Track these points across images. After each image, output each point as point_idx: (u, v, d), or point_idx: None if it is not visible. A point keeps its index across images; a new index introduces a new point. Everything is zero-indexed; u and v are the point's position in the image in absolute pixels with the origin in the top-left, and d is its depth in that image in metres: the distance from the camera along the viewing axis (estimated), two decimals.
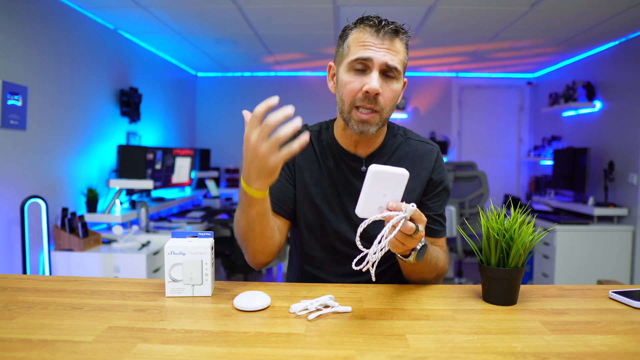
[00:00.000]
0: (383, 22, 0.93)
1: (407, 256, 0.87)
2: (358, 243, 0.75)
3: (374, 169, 0.74)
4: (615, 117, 3.54)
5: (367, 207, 0.76)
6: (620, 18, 2.95)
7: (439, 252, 1.04)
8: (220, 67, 4.87)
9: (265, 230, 0.92)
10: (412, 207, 0.76)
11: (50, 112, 2.63)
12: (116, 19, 3.14)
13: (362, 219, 0.76)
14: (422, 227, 0.80)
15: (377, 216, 0.76)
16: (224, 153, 5.15)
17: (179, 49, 4.00)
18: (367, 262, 0.76)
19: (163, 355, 0.62)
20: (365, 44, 0.93)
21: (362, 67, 0.94)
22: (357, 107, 0.96)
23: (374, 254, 0.76)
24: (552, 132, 4.57)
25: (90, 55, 3.02)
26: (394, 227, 0.75)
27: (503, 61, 4.42)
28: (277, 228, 1.00)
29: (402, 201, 0.77)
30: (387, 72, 0.95)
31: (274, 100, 0.73)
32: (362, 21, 0.96)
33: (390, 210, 0.75)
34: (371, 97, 0.94)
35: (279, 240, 1.01)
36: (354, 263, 0.77)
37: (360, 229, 0.75)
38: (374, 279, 0.77)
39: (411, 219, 0.78)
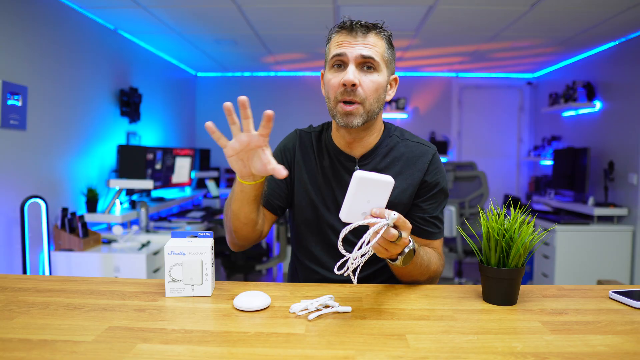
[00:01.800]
0: (354, 22, 0.99)
1: (394, 259, 0.88)
2: (340, 248, 0.76)
3: (358, 175, 0.74)
4: (615, 117, 3.54)
5: (350, 213, 0.76)
6: (620, 18, 2.94)
7: (431, 254, 1.04)
8: (220, 67, 4.87)
9: (249, 216, 0.98)
10: (394, 216, 0.76)
11: (50, 112, 2.63)
12: (116, 19, 3.14)
13: (346, 224, 0.77)
14: (405, 234, 0.81)
15: (360, 222, 0.76)
16: (223, 153, 5.14)
17: (179, 49, 4.00)
18: (348, 268, 0.77)
19: (163, 355, 0.62)
20: (340, 43, 0.99)
21: (341, 63, 0.99)
22: (340, 102, 1.00)
23: (355, 259, 0.77)
24: (552, 132, 4.57)
25: (90, 55, 3.02)
26: (376, 233, 0.76)
27: (503, 61, 4.42)
28: (262, 218, 1.06)
29: (386, 208, 0.78)
30: (365, 64, 0.98)
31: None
32: (338, 26, 1.02)
33: (374, 217, 0.76)
34: (349, 89, 0.97)
35: (260, 230, 1.06)
36: (335, 268, 0.78)
37: (342, 235, 0.76)
38: (355, 283, 0.79)
39: (395, 226, 0.79)
